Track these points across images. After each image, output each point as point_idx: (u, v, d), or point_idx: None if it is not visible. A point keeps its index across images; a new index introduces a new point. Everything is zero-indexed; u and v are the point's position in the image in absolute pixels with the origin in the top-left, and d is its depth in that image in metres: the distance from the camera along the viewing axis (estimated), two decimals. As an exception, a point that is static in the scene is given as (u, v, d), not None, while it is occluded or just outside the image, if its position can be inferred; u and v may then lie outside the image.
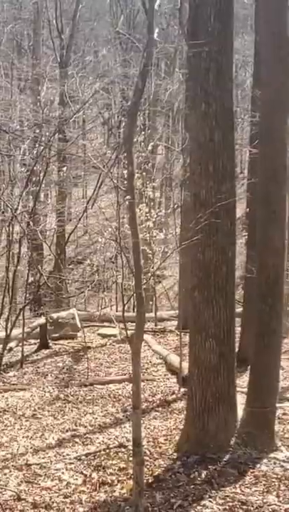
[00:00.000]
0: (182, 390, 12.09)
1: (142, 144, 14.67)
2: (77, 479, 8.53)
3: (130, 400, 11.33)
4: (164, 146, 30.32)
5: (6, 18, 33.78)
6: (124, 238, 9.77)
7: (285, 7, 8.92)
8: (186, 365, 10.69)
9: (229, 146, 8.77)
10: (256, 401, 8.89)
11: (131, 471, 7.89)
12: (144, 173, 15.80)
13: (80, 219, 25.65)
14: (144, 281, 7.20)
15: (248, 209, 15.21)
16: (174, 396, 12.31)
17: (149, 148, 17.54)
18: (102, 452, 9.40)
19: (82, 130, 32.02)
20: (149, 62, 6.65)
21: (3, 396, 13.07)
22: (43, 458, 9.47)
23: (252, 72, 16.78)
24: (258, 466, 8.17)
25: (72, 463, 9.13)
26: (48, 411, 11.96)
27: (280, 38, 8.86)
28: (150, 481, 8.01)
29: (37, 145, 17.12)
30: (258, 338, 9.12)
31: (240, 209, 14.08)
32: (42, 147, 16.78)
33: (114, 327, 18.67)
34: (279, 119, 8.91)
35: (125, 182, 7.00)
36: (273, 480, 7.76)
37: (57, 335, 18.07)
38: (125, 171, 6.95)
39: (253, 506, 7.11)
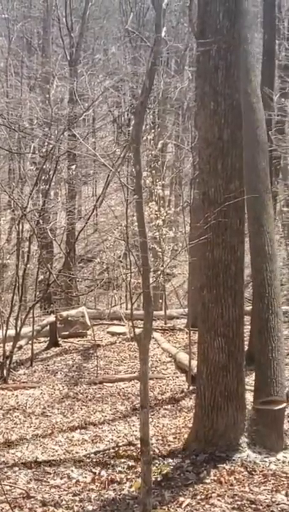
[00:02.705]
0: (191, 388, 12.09)
1: (152, 142, 14.70)
2: (86, 477, 8.55)
3: (139, 398, 11.36)
4: (173, 144, 30.28)
5: (16, 16, 33.84)
6: (133, 237, 9.78)
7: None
8: (195, 363, 10.69)
9: (238, 144, 8.76)
10: (261, 394, 8.90)
11: (140, 469, 7.89)
12: (153, 172, 15.82)
13: (89, 217, 25.62)
14: (154, 279, 7.20)
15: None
16: (183, 394, 12.31)
17: (159, 146, 17.56)
18: (111, 450, 9.43)
19: (92, 128, 32.03)
20: (156, 61, 6.64)
21: (13, 394, 13.12)
22: (52, 456, 9.51)
23: (261, 69, 16.74)
24: (267, 465, 8.17)
25: (82, 461, 9.15)
26: (58, 409, 11.99)
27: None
28: (159, 479, 8.02)
29: (46, 143, 17.13)
30: (258, 335, 9.20)
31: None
32: (51, 145, 16.78)
33: (123, 325, 18.68)
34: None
35: (134, 180, 7.00)
36: (282, 479, 7.75)
37: (67, 333, 18.08)
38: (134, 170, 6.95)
39: (261, 505, 7.10)
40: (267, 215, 9.44)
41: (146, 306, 6.77)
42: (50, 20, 30.53)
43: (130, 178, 16.32)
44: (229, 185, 8.59)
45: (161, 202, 16.43)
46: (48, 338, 17.53)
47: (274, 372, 8.96)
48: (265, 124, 9.75)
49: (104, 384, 13.48)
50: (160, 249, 16.17)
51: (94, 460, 9.14)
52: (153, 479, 7.31)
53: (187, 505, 7.26)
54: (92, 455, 9.34)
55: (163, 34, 6.34)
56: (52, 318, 17.62)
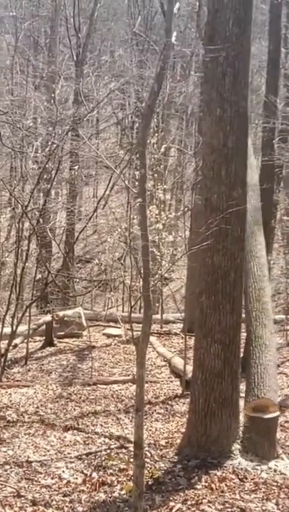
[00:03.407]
0: (185, 392, 12.08)
1: (155, 145, 14.70)
2: (77, 478, 8.54)
3: (133, 401, 11.35)
4: (176, 149, 30.31)
5: (24, 14, 33.88)
6: (134, 239, 9.79)
7: None
8: (190, 368, 10.70)
9: (242, 152, 8.78)
10: (250, 398, 8.94)
11: (131, 473, 7.89)
12: (155, 175, 15.83)
13: (90, 218, 25.69)
14: (153, 283, 7.21)
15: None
16: (176, 399, 12.30)
17: (162, 150, 17.56)
18: (103, 452, 9.41)
19: (95, 129, 32.06)
20: (165, 66, 6.66)
21: (6, 392, 13.10)
22: (44, 455, 9.49)
23: (266, 77, 16.81)
24: (259, 473, 8.17)
25: (73, 462, 9.15)
26: (51, 409, 11.97)
27: None
28: (150, 483, 8.01)
29: (50, 143, 17.14)
30: (246, 345, 9.34)
31: (251, 215, 14.06)
32: (55, 145, 16.79)
33: (119, 327, 18.68)
34: None
35: (136, 183, 7.01)
36: (273, 488, 7.75)
37: (62, 333, 18.08)
38: (137, 172, 6.96)
39: (252, 513, 7.11)
40: (256, 241, 10.72)
41: (146, 310, 6.78)
42: (58, 20, 30.58)
43: (132, 180, 16.32)
44: (232, 192, 8.60)
45: (162, 206, 16.41)
46: (44, 338, 17.52)
47: (261, 377, 9.05)
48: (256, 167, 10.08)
49: (98, 386, 13.46)
50: (159, 253, 16.17)
51: (85, 461, 9.13)
52: (144, 483, 7.31)
53: (177, 510, 7.26)
54: (84, 456, 9.33)
55: (173, 39, 6.35)
56: (48, 317, 17.61)
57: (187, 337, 13.39)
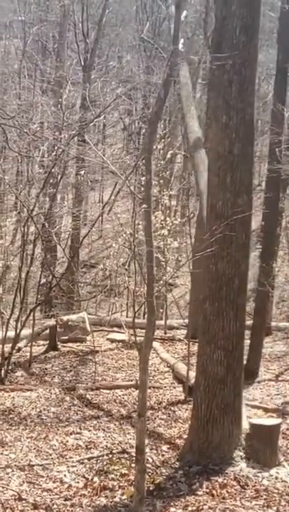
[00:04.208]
0: (188, 399, 12.09)
1: (161, 151, 14.71)
2: (78, 482, 8.56)
3: (136, 406, 11.36)
4: (182, 155, 30.34)
5: (32, 19, 33.94)
6: (139, 245, 9.80)
7: None
8: (193, 374, 10.71)
9: (248, 159, 8.81)
10: None
11: (132, 478, 7.90)
12: (161, 181, 15.85)
13: (94, 223, 25.72)
14: (157, 289, 7.24)
15: (263, 222, 15.23)
16: (179, 405, 12.30)
17: (168, 156, 17.58)
18: (105, 457, 9.43)
19: (102, 134, 32.10)
20: (172, 72, 6.69)
21: (9, 395, 13.11)
22: (45, 459, 9.51)
23: (274, 85, 16.80)
24: (260, 480, 8.18)
25: (75, 466, 9.17)
26: (54, 413, 11.99)
27: None
28: (151, 488, 8.03)
29: (56, 147, 17.17)
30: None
31: (256, 221, 14.13)
32: (61, 149, 16.82)
33: (123, 333, 18.68)
34: None
35: (142, 189, 7.04)
36: (274, 495, 7.76)
37: (66, 337, 18.07)
38: (143, 178, 6.99)
39: (252, 520, 7.12)
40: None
41: (149, 316, 6.80)
42: (67, 25, 30.62)
43: (138, 186, 16.34)
44: (237, 199, 8.63)
45: (168, 212, 16.40)
46: (47, 342, 17.52)
47: None
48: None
49: (101, 390, 13.46)
50: (163, 259, 16.17)
51: (87, 466, 9.14)
52: (145, 488, 7.33)
53: (178, 515, 7.28)
54: (86, 461, 9.35)
55: (180, 46, 6.39)
56: (52, 321, 17.61)
57: (191, 343, 13.40)
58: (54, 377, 14.74)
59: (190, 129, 13.91)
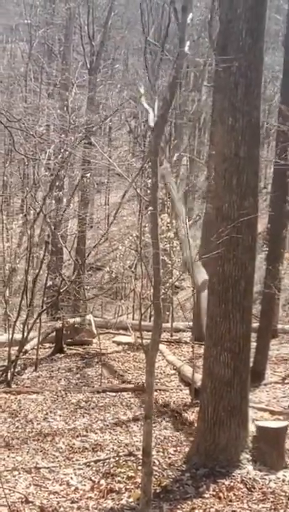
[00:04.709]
0: (194, 401, 12.08)
1: (168, 154, 14.75)
2: (85, 485, 8.56)
3: (142, 408, 11.36)
4: (188, 158, 30.36)
5: (38, 22, 34.02)
6: (145, 247, 9.81)
7: None
8: (199, 376, 10.70)
9: (254, 161, 8.81)
10: None
11: (139, 480, 7.90)
12: (167, 184, 15.87)
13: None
14: (163, 291, 7.24)
15: (269, 224, 15.21)
16: (185, 407, 12.29)
17: (174, 158, 17.61)
18: (112, 460, 9.42)
19: (108, 137, 32.12)
20: (178, 75, 6.70)
21: (16, 398, 13.13)
22: (52, 462, 9.52)
23: (280, 87, 16.79)
24: (267, 482, 8.16)
25: (81, 468, 9.17)
26: (60, 415, 11.99)
27: None
28: (158, 491, 8.01)
29: (62, 150, 17.18)
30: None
31: (262, 224, 14.12)
32: (68, 152, 16.84)
33: (129, 335, 18.69)
34: None
35: (148, 192, 7.05)
36: (281, 498, 7.74)
37: (72, 340, 18.10)
38: (149, 181, 6.99)
39: (259, 523, 7.11)
40: None
41: (156, 318, 6.80)
42: (72, 28, 30.65)
43: (144, 189, 16.36)
44: (243, 201, 8.63)
45: (174, 215, 16.44)
46: (54, 344, 17.54)
47: None
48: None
49: (108, 393, 13.47)
50: (170, 262, 16.20)
51: (94, 468, 9.14)
52: (152, 491, 7.33)
53: (185, 518, 7.27)
54: (92, 463, 9.34)
55: (186, 48, 6.39)
56: (58, 324, 17.63)
57: (197, 346, 13.39)
58: (60, 379, 14.76)
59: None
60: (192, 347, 13.70)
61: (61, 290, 17.68)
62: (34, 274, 16.35)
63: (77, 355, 17.00)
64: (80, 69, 28.76)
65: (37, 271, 16.42)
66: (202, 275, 15.81)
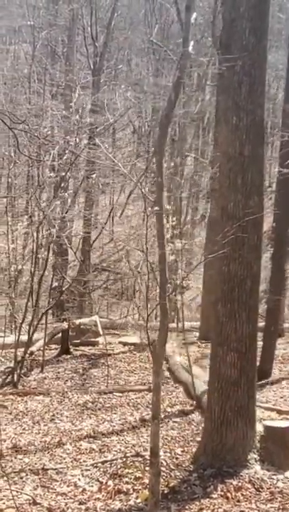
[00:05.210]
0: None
1: (172, 154, 14.73)
2: (92, 486, 8.55)
3: (149, 409, 11.35)
4: (193, 157, 30.34)
5: (41, 24, 33.99)
6: (150, 248, 9.79)
7: None
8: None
9: (259, 160, 8.79)
10: None
11: (147, 481, 7.89)
12: (171, 184, 15.85)
13: (103, 226, 25.67)
14: (169, 291, 7.23)
15: (274, 223, 15.19)
16: (192, 407, 12.27)
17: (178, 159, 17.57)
18: (119, 460, 9.40)
19: (112, 138, 32.10)
20: (182, 75, 6.69)
21: (22, 399, 13.13)
22: (59, 463, 9.51)
23: (284, 86, 16.77)
24: (275, 482, 8.14)
25: (89, 469, 9.16)
26: (67, 416, 11.98)
27: None
28: (166, 491, 8.00)
29: (67, 151, 17.17)
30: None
31: (267, 223, 14.09)
32: (73, 153, 16.83)
33: (135, 336, 18.67)
34: None
35: (154, 192, 7.04)
36: (289, 497, 7.73)
37: (78, 341, 18.10)
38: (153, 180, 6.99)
39: (268, 523, 7.09)
40: None
41: (162, 318, 6.79)
42: (75, 29, 30.65)
43: (149, 189, 16.33)
44: (248, 200, 8.61)
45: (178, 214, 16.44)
46: (60, 345, 17.54)
47: None
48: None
49: (114, 394, 13.46)
50: (174, 263, 16.17)
51: (101, 469, 9.13)
52: (160, 492, 7.31)
53: (193, 519, 7.26)
54: (100, 464, 9.33)
55: (190, 48, 6.38)
56: (64, 325, 17.63)
57: (203, 345, 13.36)
58: (67, 380, 14.75)
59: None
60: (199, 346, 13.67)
61: (63, 290, 17.68)
62: (39, 276, 16.34)
63: (83, 356, 17.00)
64: (83, 70, 28.82)
65: (42, 272, 16.38)
66: None
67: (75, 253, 25.04)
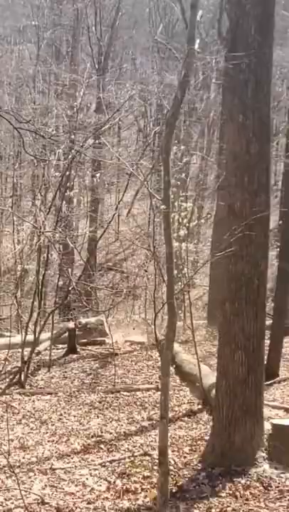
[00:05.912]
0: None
1: (177, 153, 14.73)
2: (101, 486, 8.55)
3: (156, 408, 11.34)
4: (198, 156, 30.29)
5: (46, 24, 34.03)
6: (157, 246, 9.79)
7: None
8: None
9: (265, 158, 8.76)
10: None
11: (155, 480, 7.89)
12: (178, 182, 15.84)
13: (108, 224, 25.64)
14: (177, 290, 7.23)
15: (280, 221, 15.17)
16: (200, 406, 12.26)
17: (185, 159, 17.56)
18: (127, 460, 9.41)
19: (117, 137, 32.10)
20: (188, 73, 6.67)
21: (30, 399, 13.13)
22: (67, 463, 9.51)
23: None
24: (283, 480, 8.13)
25: (97, 469, 9.16)
26: (74, 416, 11.98)
27: None
28: (174, 490, 8.00)
29: (72, 151, 17.19)
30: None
31: (273, 221, 14.07)
32: (77, 152, 16.84)
33: (142, 335, 18.66)
34: None
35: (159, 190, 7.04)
36: (298, 496, 7.71)
37: (85, 340, 18.09)
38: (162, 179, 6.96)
39: (277, 521, 7.08)
40: None
41: (170, 317, 6.78)
42: (80, 29, 30.70)
43: (154, 188, 16.34)
44: (255, 198, 8.59)
45: (185, 213, 16.39)
46: (66, 345, 17.53)
47: None
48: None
49: (121, 393, 13.45)
50: (181, 261, 16.17)
51: (109, 469, 9.13)
52: (168, 491, 7.31)
53: (202, 518, 7.25)
54: (108, 463, 9.33)
55: (196, 46, 6.37)
56: (71, 324, 17.62)
57: (210, 343, 13.34)
58: (74, 380, 14.74)
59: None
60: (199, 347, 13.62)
61: (69, 290, 17.67)
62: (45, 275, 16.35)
63: (90, 356, 16.98)
64: (88, 69, 28.80)
65: (47, 272, 16.38)
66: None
67: (79, 252, 25.07)
